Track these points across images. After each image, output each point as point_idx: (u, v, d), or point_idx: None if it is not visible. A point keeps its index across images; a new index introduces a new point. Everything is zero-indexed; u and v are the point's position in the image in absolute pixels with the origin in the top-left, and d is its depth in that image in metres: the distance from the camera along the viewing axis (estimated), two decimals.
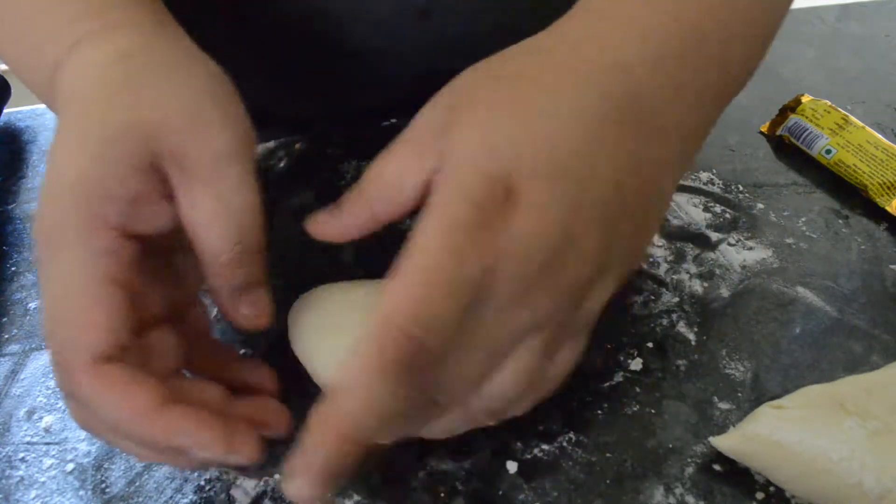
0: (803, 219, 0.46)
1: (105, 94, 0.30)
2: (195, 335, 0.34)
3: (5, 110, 0.57)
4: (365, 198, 0.31)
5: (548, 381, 0.30)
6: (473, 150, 0.27)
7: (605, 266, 0.28)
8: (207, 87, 0.31)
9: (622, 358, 0.39)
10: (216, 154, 0.30)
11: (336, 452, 0.26)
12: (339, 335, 0.34)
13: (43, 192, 0.29)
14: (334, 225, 0.32)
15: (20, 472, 0.37)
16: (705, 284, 0.43)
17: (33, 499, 0.36)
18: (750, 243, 0.45)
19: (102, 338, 0.27)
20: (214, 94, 0.31)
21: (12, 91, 0.57)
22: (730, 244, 0.45)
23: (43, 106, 0.59)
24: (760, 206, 0.47)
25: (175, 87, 0.30)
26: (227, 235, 0.30)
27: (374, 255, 0.45)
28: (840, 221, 0.46)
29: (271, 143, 0.54)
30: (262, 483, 0.36)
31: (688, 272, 0.43)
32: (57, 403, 0.40)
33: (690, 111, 0.31)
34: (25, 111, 0.58)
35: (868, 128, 0.49)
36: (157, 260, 0.31)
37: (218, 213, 0.30)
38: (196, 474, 0.36)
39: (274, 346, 0.41)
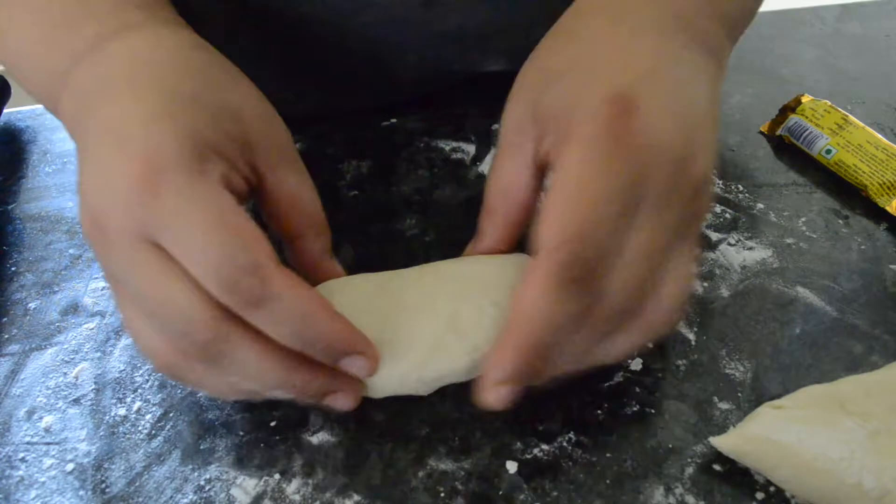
0: (803, 219, 0.46)
1: (189, 75, 0.32)
2: None
3: (5, 110, 0.57)
4: (494, 214, 0.34)
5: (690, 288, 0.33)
6: (580, 93, 0.30)
7: (713, 159, 0.31)
8: (257, 89, 0.35)
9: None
10: (289, 143, 0.35)
11: (524, 363, 0.30)
12: (366, 316, 0.34)
13: (120, 149, 0.28)
14: (483, 250, 0.36)
15: (20, 472, 0.37)
16: (705, 284, 0.43)
17: (33, 499, 0.36)
18: (750, 243, 0.45)
19: (270, 247, 0.29)
20: (262, 96, 0.35)
21: (12, 91, 0.57)
22: (730, 244, 0.45)
23: (42, 106, 0.59)
24: (760, 206, 0.47)
25: (246, 83, 0.35)
26: (313, 206, 0.35)
27: (373, 255, 0.45)
28: (840, 221, 0.46)
29: None
30: (261, 483, 0.36)
31: None
32: (57, 403, 0.40)
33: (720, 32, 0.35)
34: (25, 111, 0.58)
35: (868, 128, 0.49)
36: None
37: (305, 187, 0.35)
38: (196, 474, 0.36)
39: None
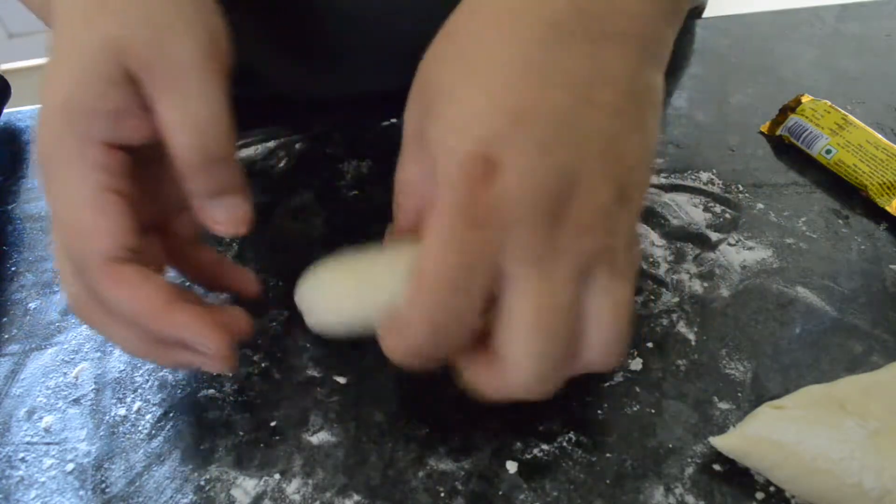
0: (803, 219, 0.46)
1: (81, 15, 0.31)
2: (182, 242, 0.36)
3: (5, 110, 0.57)
4: (403, 209, 0.33)
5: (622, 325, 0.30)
6: (445, 140, 0.28)
7: (620, 179, 0.28)
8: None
9: (622, 358, 0.39)
10: (178, 63, 0.30)
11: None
12: (360, 280, 0.34)
13: (39, 114, 0.31)
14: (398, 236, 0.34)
15: (20, 472, 0.37)
16: (705, 284, 0.43)
17: (33, 499, 0.36)
18: (750, 243, 0.45)
19: (109, 242, 0.30)
20: (179, 3, 0.31)
21: (12, 91, 0.57)
22: (730, 244, 0.45)
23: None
24: (760, 206, 0.47)
25: (141, 0, 0.31)
26: (190, 143, 0.31)
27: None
28: (840, 221, 0.46)
29: (271, 143, 0.54)
30: (261, 483, 0.36)
31: (688, 272, 0.43)
32: (57, 403, 0.40)
33: (638, 4, 0.30)
34: (25, 111, 0.58)
35: (868, 128, 0.49)
36: (145, 171, 0.33)
37: (180, 120, 0.31)
38: (196, 474, 0.36)
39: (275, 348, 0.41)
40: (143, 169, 0.32)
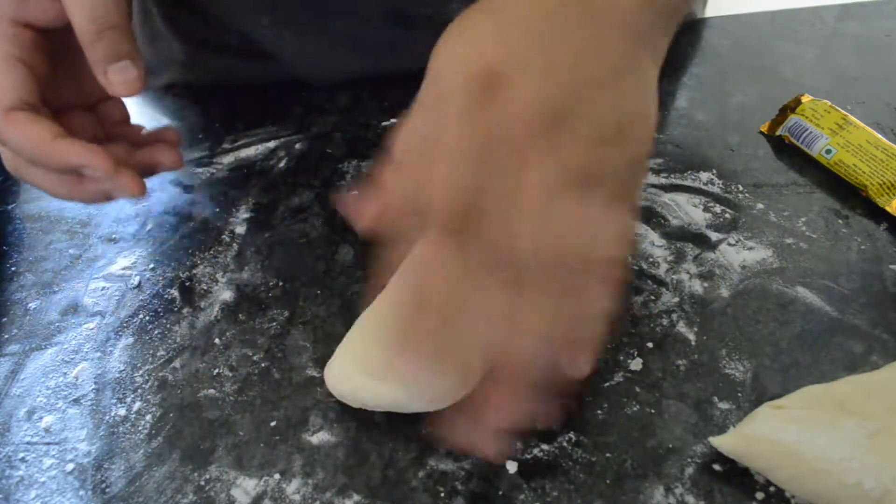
0: (803, 219, 0.46)
1: None
2: (113, 120, 0.42)
3: None
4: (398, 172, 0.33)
5: (588, 321, 0.30)
6: (453, 59, 0.29)
7: (609, 138, 0.29)
8: None
9: (622, 358, 0.39)
10: None
11: None
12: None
13: None
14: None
15: (20, 472, 0.37)
16: (705, 284, 0.43)
17: (33, 499, 0.36)
18: (750, 243, 0.45)
19: (10, 96, 0.36)
20: None
21: None
22: (730, 244, 0.45)
23: None
24: (760, 206, 0.47)
25: None
26: (85, 13, 0.36)
27: (373, 255, 0.45)
28: (840, 221, 0.46)
29: (271, 143, 0.54)
30: (261, 483, 0.36)
31: (688, 272, 0.43)
32: (57, 403, 0.40)
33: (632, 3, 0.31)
34: None
35: (868, 128, 0.49)
36: (68, 57, 0.39)
37: None
38: (196, 474, 0.36)
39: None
40: (66, 55, 0.39)
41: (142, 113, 0.58)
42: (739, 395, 0.38)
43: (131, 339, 0.42)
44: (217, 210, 0.49)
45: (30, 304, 0.45)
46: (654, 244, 0.45)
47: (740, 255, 0.44)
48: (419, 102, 0.30)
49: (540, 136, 0.28)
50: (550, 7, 0.30)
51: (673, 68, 0.58)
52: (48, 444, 0.38)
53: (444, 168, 0.28)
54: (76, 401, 0.40)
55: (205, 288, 0.44)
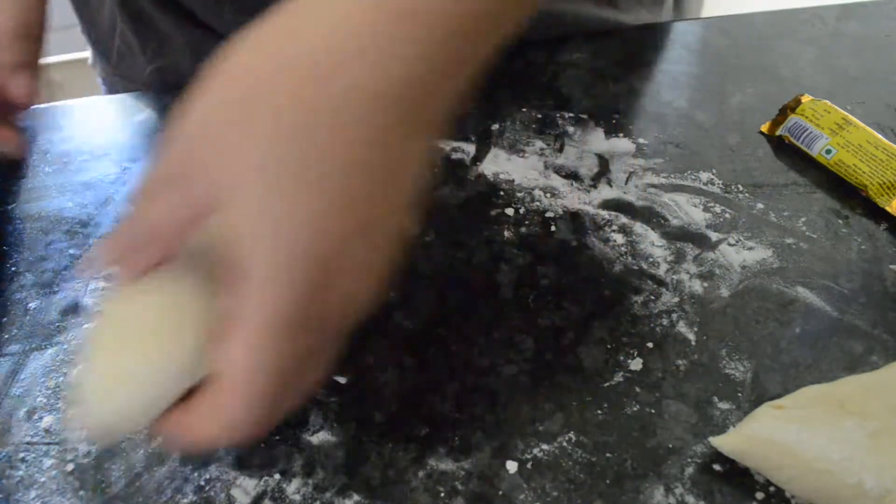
0: (803, 219, 0.46)
1: None
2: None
3: None
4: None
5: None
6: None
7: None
8: None
9: (622, 358, 0.39)
10: None
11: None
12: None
13: None
14: None
15: (20, 472, 0.37)
16: (705, 284, 0.43)
17: (33, 499, 0.36)
18: (750, 243, 0.45)
19: None
20: None
21: None
22: (730, 244, 0.45)
23: (42, 105, 0.59)
24: (760, 206, 0.47)
25: None
26: (10, 13, 0.42)
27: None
28: (840, 221, 0.46)
29: None
30: (261, 483, 0.36)
31: (688, 272, 0.43)
32: (57, 403, 0.40)
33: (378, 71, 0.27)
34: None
35: (868, 128, 0.49)
36: None
37: None
38: (196, 474, 0.36)
39: None
40: None
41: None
42: (739, 395, 0.38)
43: None
44: None
45: (30, 304, 0.45)
46: (654, 244, 0.45)
47: (740, 255, 0.44)
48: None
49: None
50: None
51: (673, 68, 0.58)
52: (48, 444, 0.38)
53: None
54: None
55: None
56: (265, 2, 0.30)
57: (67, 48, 0.99)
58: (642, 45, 0.60)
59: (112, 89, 0.67)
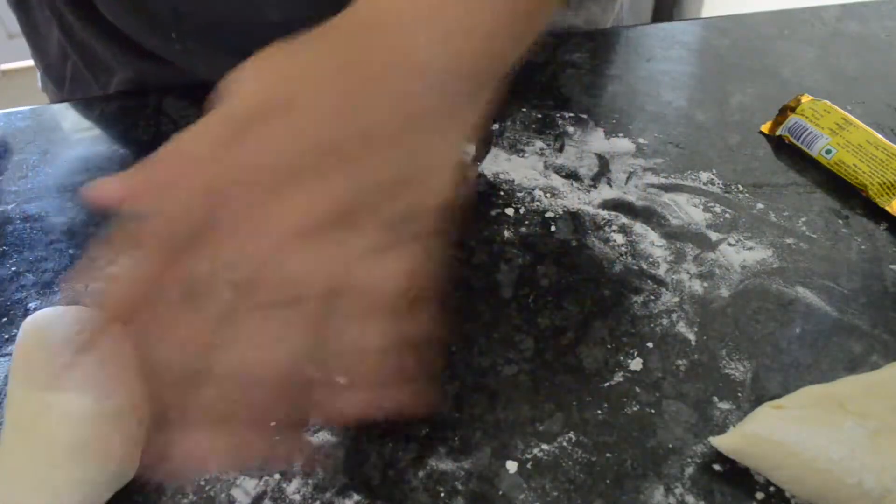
0: (803, 219, 0.46)
1: None
2: None
3: (5, 110, 0.57)
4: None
5: (345, 356, 0.30)
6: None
7: (390, 185, 0.29)
8: None
9: (622, 358, 0.39)
10: None
11: None
12: None
13: None
14: None
15: None
16: (705, 284, 0.43)
17: None
18: (750, 243, 0.45)
19: None
20: None
21: (13, 91, 0.57)
22: (730, 244, 0.45)
23: (42, 106, 0.59)
24: (760, 206, 0.47)
25: None
26: None
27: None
28: (840, 221, 0.46)
29: None
30: (261, 483, 0.36)
31: (688, 272, 0.43)
32: None
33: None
34: (25, 111, 0.58)
35: (868, 128, 0.49)
36: None
37: None
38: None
39: None
40: None
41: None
42: (739, 395, 0.38)
43: None
44: None
45: (30, 305, 0.45)
46: (654, 244, 0.45)
47: (740, 255, 0.44)
48: (201, 122, 0.30)
49: (302, 170, 0.27)
50: (354, 51, 0.29)
51: (673, 68, 0.58)
52: None
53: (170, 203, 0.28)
54: None
55: None
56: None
57: None
58: (642, 45, 0.60)
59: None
